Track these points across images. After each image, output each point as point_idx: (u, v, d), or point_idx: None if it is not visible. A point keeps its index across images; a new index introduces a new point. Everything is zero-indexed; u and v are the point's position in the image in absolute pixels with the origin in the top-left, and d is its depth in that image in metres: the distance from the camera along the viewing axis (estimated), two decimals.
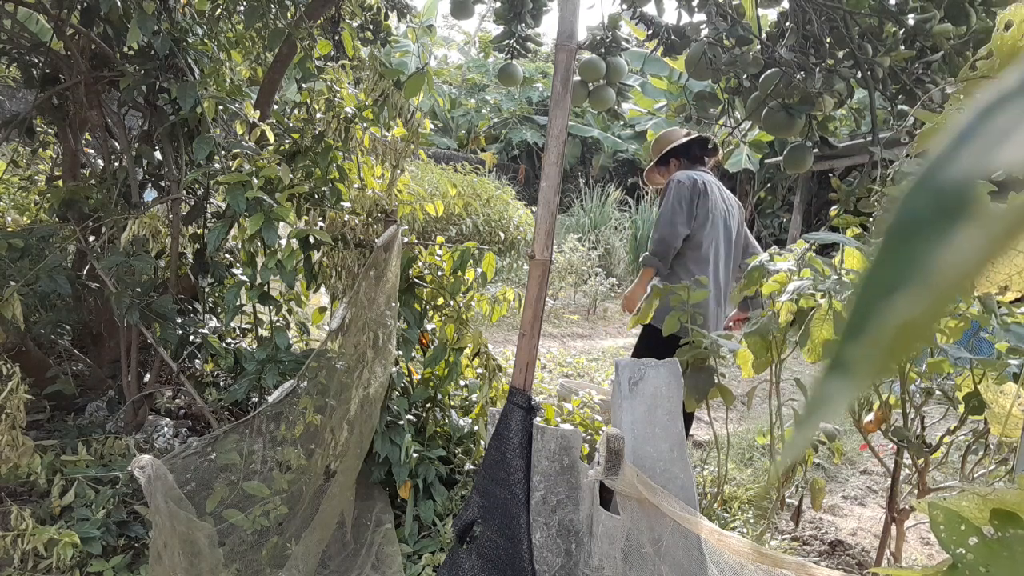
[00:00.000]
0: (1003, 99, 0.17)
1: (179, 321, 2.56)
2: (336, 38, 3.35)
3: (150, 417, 2.84)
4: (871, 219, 1.84)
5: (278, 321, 2.65)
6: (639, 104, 11.92)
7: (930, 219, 0.17)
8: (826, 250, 2.53)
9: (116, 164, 2.85)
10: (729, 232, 2.96)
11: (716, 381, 2.17)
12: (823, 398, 0.19)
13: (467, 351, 2.67)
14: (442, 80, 16.66)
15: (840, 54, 2.02)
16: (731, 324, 3.14)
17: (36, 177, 3.51)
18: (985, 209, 0.16)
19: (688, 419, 3.21)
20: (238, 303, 2.44)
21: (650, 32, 2.27)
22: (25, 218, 3.34)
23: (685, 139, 2.95)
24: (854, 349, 0.18)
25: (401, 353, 2.50)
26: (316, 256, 2.60)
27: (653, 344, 2.74)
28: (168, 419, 2.90)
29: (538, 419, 1.88)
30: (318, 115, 2.78)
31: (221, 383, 3.23)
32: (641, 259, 2.96)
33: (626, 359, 1.81)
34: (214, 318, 3.02)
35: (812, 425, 0.20)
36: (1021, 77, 0.17)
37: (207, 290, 3.07)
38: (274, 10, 2.86)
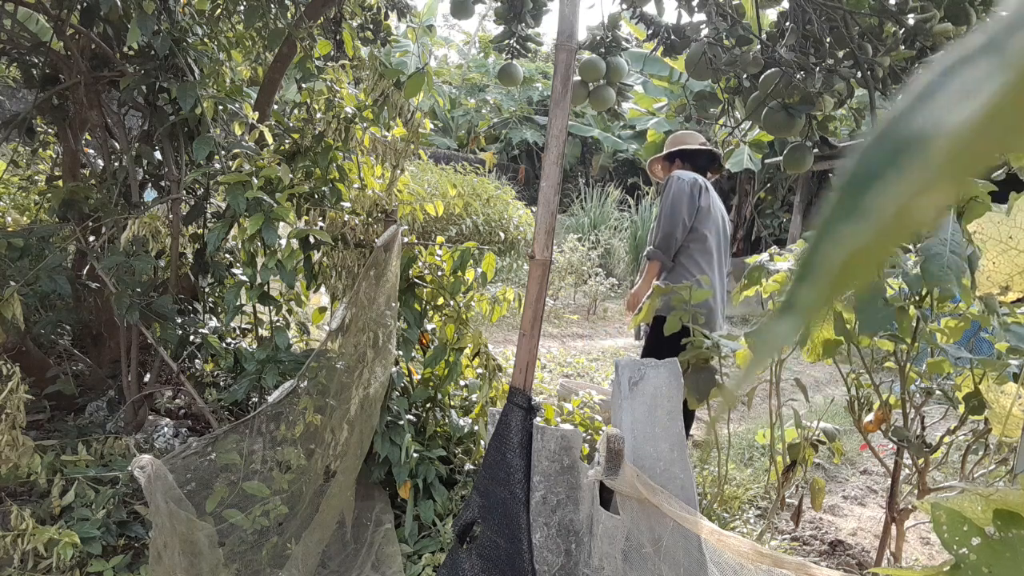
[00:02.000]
0: (964, 59, 0.18)
1: (179, 321, 2.56)
2: (336, 38, 3.35)
3: (150, 417, 2.84)
4: None
5: (278, 321, 2.65)
6: (639, 104, 11.92)
7: (885, 170, 0.17)
8: None
9: (116, 164, 2.85)
10: (725, 232, 3.01)
11: (717, 381, 2.17)
12: (774, 336, 0.20)
13: (467, 351, 2.67)
14: (442, 80, 16.65)
15: (840, 54, 2.02)
16: None
17: (36, 177, 3.50)
18: (935, 158, 0.17)
19: (688, 419, 3.22)
20: (238, 303, 2.44)
21: (650, 32, 2.27)
22: (25, 218, 3.34)
23: (697, 147, 3.00)
24: (803, 291, 0.19)
25: (401, 353, 2.50)
26: (316, 256, 2.60)
27: (660, 339, 2.75)
28: (168, 419, 2.90)
29: (538, 419, 1.87)
30: (318, 115, 2.78)
31: (221, 383, 3.23)
32: (645, 253, 2.99)
33: (626, 359, 1.81)
34: (214, 318, 3.02)
35: (763, 361, 0.21)
36: (982, 39, 0.18)
37: (207, 290, 3.07)
38: (274, 10, 2.86)
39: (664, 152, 3.12)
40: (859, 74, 1.95)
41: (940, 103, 0.17)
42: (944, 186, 0.17)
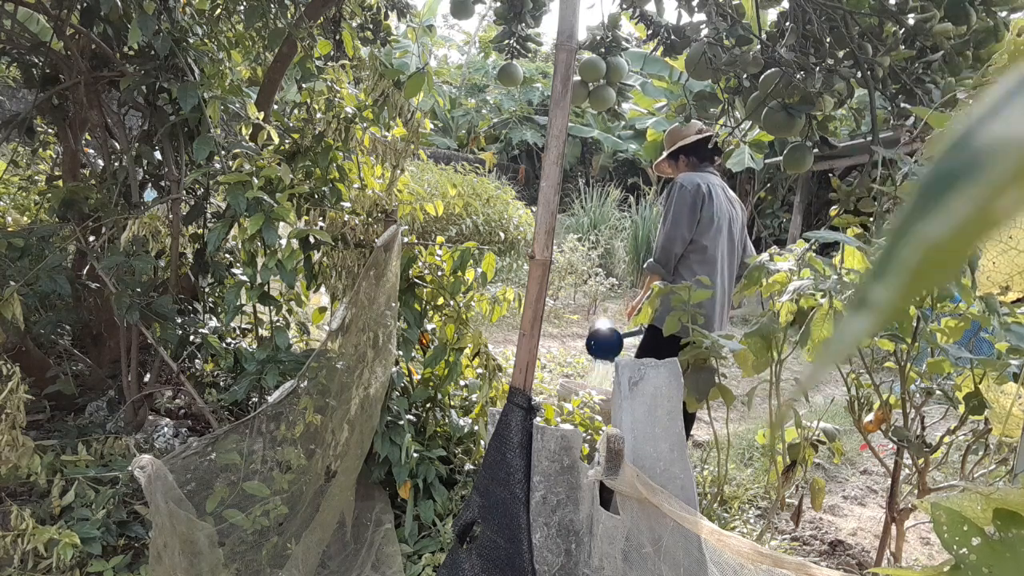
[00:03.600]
0: None
1: (179, 321, 2.56)
2: (336, 38, 3.35)
3: (150, 417, 2.84)
4: (871, 219, 1.84)
5: (278, 321, 2.65)
6: (639, 104, 11.92)
7: (965, 173, 0.18)
8: (826, 250, 2.53)
9: (116, 164, 2.85)
10: (732, 235, 2.97)
11: (716, 381, 2.17)
12: (847, 334, 0.21)
13: (467, 351, 2.67)
14: (442, 80, 16.65)
15: (840, 54, 2.02)
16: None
17: (36, 177, 3.50)
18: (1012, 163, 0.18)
19: (688, 419, 3.21)
20: (238, 303, 2.44)
21: (650, 32, 2.27)
22: (25, 218, 3.34)
23: (696, 137, 2.96)
24: (879, 289, 0.20)
25: (401, 353, 2.50)
26: (316, 256, 2.60)
27: (656, 345, 2.75)
28: (168, 419, 2.90)
29: (538, 419, 1.87)
30: (318, 115, 2.78)
31: (221, 383, 3.23)
32: (645, 265, 2.98)
33: (626, 359, 1.81)
34: (214, 318, 3.02)
35: (833, 359, 0.22)
36: None
37: (207, 290, 3.07)
38: (274, 10, 2.86)
39: (666, 153, 3.10)
40: (859, 74, 1.95)
41: (1013, 115, 0.18)
42: (1019, 188, 0.17)
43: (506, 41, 2.60)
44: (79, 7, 2.64)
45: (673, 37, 2.22)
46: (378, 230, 2.63)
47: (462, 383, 2.93)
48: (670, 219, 2.82)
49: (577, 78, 2.42)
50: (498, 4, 2.57)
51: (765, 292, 2.08)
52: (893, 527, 2.04)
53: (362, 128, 2.79)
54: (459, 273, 2.60)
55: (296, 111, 2.93)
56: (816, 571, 1.31)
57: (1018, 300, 1.64)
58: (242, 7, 3.20)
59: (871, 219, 1.84)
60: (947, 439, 1.98)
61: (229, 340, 2.90)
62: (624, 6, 2.31)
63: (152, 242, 2.54)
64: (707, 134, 2.95)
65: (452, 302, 2.64)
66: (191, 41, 2.61)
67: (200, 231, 2.87)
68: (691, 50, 2.16)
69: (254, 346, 2.85)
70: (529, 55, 2.76)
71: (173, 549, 1.79)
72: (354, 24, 3.46)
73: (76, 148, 3.01)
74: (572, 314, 7.92)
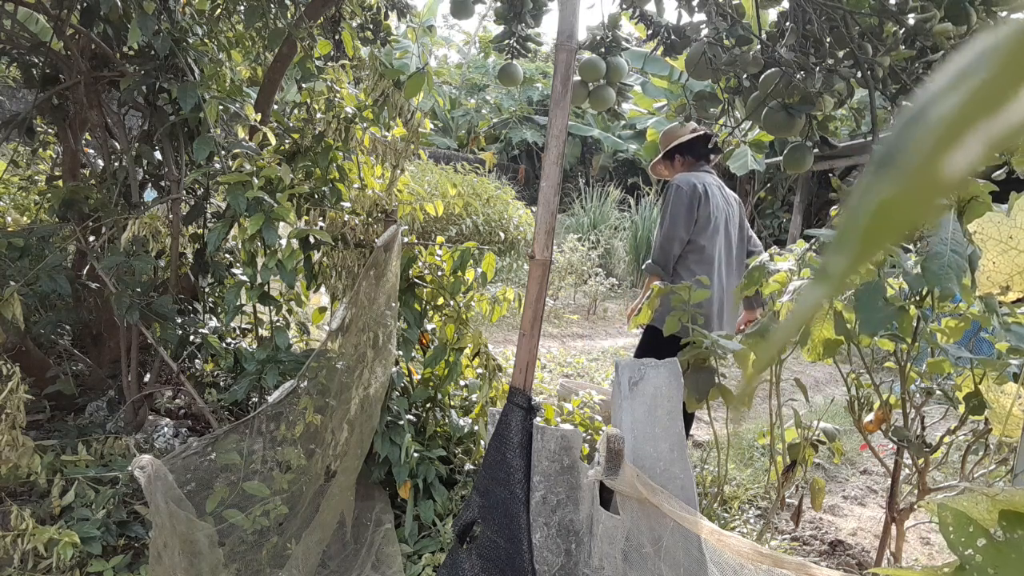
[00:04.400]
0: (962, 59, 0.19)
1: (179, 321, 2.56)
2: (336, 38, 3.35)
3: (150, 417, 2.84)
4: None
5: (278, 321, 2.65)
6: (639, 104, 11.91)
7: (910, 134, 0.19)
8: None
9: (116, 164, 2.84)
10: (729, 234, 2.96)
11: (716, 381, 2.17)
12: (807, 300, 0.23)
13: (467, 351, 2.67)
14: (442, 80, 16.65)
15: (840, 54, 2.02)
16: (741, 327, 3.16)
17: (36, 177, 3.50)
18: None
19: (688, 419, 3.21)
20: (238, 303, 2.43)
21: (650, 32, 2.27)
22: (25, 218, 3.34)
23: (690, 136, 2.96)
24: (836, 259, 0.21)
25: (401, 353, 2.50)
26: (316, 256, 2.60)
27: (655, 345, 2.75)
28: (168, 419, 2.90)
29: (538, 419, 1.87)
30: (318, 115, 2.78)
31: (221, 383, 3.23)
32: (644, 267, 2.98)
33: (626, 359, 1.81)
34: (214, 318, 3.01)
35: (797, 326, 0.24)
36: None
37: (207, 290, 3.07)
38: (274, 10, 2.86)
39: (661, 153, 3.09)
40: (859, 74, 1.95)
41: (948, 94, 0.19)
42: (958, 140, 0.18)
43: (506, 41, 2.60)
44: (79, 7, 2.64)
45: (673, 37, 2.22)
46: (378, 230, 2.63)
47: (462, 383, 2.93)
48: (667, 220, 2.82)
49: (577, 78, 2.42)
50: (498, 4, 2.57)
51: (765, 292, 2.08)
52: (893, 527, 2.04)
53: (362, 128, 2.79)
54: (459, 273, 2.60)
55: (296, 111, 2.93)
56: (816, 571, 1.31)
57: (1018, 300, 1.64)
58: (242, 7, 3.20)
59: None
60: (947, 439, 1.98)
61: (229, 340, 2.90)
62: (624, 6, 2.31)
63: (152, 242, 2.53)
64: (702, 132, 2.95)
65: (452, 302, 2.64)
66: (191, 41, 2.60)
67: (200, 231, 2.87)
68: (691, 50, 2.16)
69: (254, 346, 2.85)
70: (529, 55, 2.76)
71: (173, 549, 1.79)
72: (354, 24, 3.46)
73: (76, 148, 3.01)
74: (572, 314, 7.91)
